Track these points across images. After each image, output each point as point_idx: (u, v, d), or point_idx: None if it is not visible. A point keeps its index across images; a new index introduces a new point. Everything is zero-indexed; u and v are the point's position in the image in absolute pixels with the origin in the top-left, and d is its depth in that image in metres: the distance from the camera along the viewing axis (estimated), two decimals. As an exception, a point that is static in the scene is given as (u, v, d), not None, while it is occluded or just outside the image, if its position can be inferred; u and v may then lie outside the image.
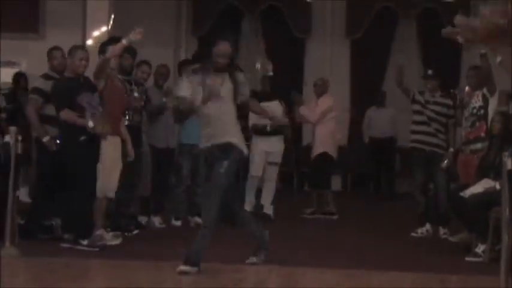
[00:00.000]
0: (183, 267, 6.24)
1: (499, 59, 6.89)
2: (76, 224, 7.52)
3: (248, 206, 10.18)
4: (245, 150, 6.70)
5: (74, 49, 7.73)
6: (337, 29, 14.74)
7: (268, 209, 10.31)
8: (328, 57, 14.80)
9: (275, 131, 10.22)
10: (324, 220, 10.51)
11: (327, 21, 14.75)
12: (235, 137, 6.58)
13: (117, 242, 7.81)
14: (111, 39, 8.44)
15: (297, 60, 14.74)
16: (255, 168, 10.20)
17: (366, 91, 14.67)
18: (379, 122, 13.67)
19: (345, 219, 10.78)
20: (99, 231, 7.69)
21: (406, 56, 13.84)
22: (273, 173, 10.36)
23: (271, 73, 10.43)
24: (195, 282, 6.16)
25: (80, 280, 6.24)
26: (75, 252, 7.20)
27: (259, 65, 13.91)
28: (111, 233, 7.91)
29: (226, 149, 6.49)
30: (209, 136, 6.56)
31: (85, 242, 7.39)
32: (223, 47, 6.54)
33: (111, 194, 7.87)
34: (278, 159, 10.37)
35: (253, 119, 9.96)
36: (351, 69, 14.92)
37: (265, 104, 10.05)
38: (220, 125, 6.51)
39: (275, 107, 10.18)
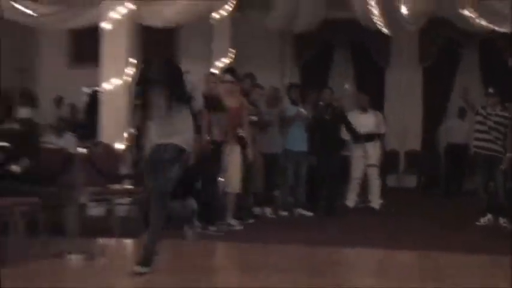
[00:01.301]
0: (136, 268, 5.22)
1: None
2: (205, 214, 7.68)
3: (350, 203, 10.21)
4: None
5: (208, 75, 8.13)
6: (411, 58, 14.56)
7: (375, 204, 10.20)
8: (404, 82, 14.64)
9: (369, 138, 10.17)
10: (393, 211, 10.30)
11: (403, 52, 14.56)
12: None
13: (240, 227, 7.99)
14: (227, 69, 8.80)
15: (378, 84, 14.66)
16: (354, 171, 10.21)
17: (435, 108, 14.50)
18: (459, 131, 13.29)
19: (417, 212, 10.60)
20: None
21: (469, 77, 13.55)
22: (372, 173, 10.25)
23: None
24: (296, 260, 6.21)
25: (207, 257, 6.46)
26: (205, 236, 7.31)
27: (347, 86, 13.92)
28: (235, 221, 8.08)
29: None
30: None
31: (213, 228, 7.56)
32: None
33: (236, 190, 8.05)
34: (375, 161, 10.25)
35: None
36: (423, 91, 14.72)
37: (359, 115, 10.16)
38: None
39: (368, 119, 10.25)
